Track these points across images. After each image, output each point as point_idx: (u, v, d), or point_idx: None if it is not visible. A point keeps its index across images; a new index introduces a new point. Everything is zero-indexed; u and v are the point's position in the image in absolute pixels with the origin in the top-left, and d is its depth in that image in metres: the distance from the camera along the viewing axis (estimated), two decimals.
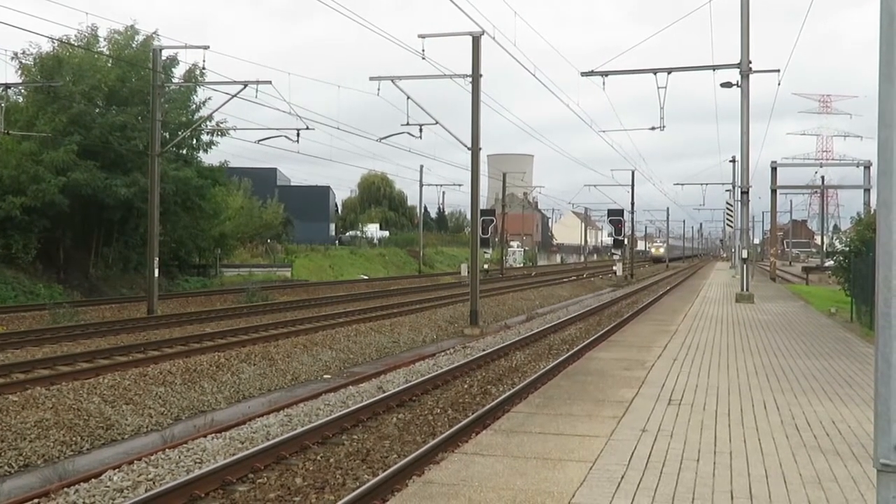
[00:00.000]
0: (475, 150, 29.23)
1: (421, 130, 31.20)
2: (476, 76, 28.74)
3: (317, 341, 22.77)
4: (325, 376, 19.70)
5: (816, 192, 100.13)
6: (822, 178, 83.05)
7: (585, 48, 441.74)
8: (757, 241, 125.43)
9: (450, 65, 33.92)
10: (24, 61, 38.52)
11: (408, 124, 30.86)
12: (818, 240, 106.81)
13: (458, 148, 30.88)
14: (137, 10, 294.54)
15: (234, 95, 30.47)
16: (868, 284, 22.01)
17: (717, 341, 17.91)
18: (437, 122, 30.58)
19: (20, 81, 38.49)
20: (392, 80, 29.42)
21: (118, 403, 14.90)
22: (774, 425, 9.35)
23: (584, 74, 31.77)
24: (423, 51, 27.70)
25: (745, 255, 33.10)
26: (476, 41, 28.42)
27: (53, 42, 38.26)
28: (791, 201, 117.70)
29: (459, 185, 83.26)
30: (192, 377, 17.37)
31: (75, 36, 38.98)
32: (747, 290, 32.06)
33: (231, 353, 19.98)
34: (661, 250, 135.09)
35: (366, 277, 65.43)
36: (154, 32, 39.77)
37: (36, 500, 9.78)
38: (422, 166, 77.74)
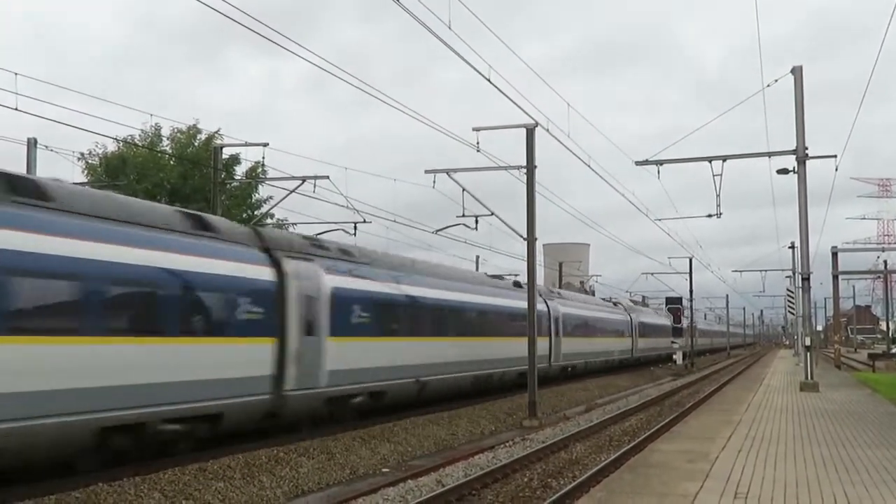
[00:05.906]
0: (531, 240, 29.27)
1: (477, 222, 31.41)
2: (531, 167, 28.90)
3: (375, 434, 22.65)
4: (384, 470, 19.54)
5: (879, 276, 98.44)
6: (885, 262, 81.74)
7: (642, 131, 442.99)
8: (820, 327, 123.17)
9: (504, 155, 34.32)
10: (90, 161, 39.73)
11: (463, 216, 31.06)
12: (883, 325, 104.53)
13: (514, 238, 31.02)
14: (200, 104, 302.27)
15: (293, 191, 30.99)
16: None
17: (783, 432, 17.51)
18: (492, 213, 30.75)
19: (86, 181, 39.63)
20: (447, 173, 29.72)
21: (178, 499, 14.92)
22: None
23: (638, 164, 31.83)
24: (478, 143, 28.06)
25: (808, 342, 32.49)
26: (530, 133, 28.65)
27: (118, 142, 39.46)
28: (854, 287, 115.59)
29: (516, 275, 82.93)
30: (251, 472, 17.34)
31: (139, 136, 40.18)
32: (812, 378, 31.37)
33: (290, 447, 19.94)
34: None
35: None
36: (216, 132, 40.75)
37: None
38: (478, 257, 77.50)
